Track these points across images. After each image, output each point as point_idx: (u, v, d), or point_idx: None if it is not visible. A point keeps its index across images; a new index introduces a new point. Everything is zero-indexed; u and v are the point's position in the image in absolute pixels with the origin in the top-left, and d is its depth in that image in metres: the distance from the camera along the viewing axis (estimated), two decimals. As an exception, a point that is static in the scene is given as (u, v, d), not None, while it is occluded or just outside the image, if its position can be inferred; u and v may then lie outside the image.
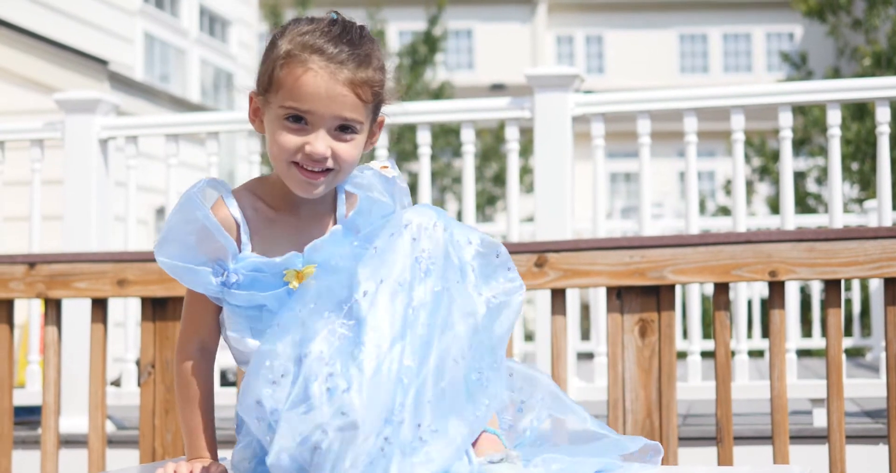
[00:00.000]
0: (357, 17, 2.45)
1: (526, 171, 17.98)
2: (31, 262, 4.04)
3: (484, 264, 2.26)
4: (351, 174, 2.36)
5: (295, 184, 2.29)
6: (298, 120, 2.26)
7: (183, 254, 2.30)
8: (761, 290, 9.51)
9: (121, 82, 10.20)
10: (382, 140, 5.27)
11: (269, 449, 2.11)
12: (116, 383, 6.59)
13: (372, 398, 2.06)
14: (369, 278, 2.16)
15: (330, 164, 2.27)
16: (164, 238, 2.31)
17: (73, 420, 5.24)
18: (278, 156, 2.28)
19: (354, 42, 2.30)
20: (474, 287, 2.23)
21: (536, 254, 3.58)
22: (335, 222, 2.38)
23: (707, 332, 11.73)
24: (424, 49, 19.99)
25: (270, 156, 2.30)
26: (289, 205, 2.36)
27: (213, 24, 13.39)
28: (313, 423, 2.07)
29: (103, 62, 9.84)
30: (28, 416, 6.01)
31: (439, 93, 19.44)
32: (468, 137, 5.27)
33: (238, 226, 2.32)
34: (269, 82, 2.30)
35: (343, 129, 2.27)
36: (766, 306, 3.58)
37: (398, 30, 25.33)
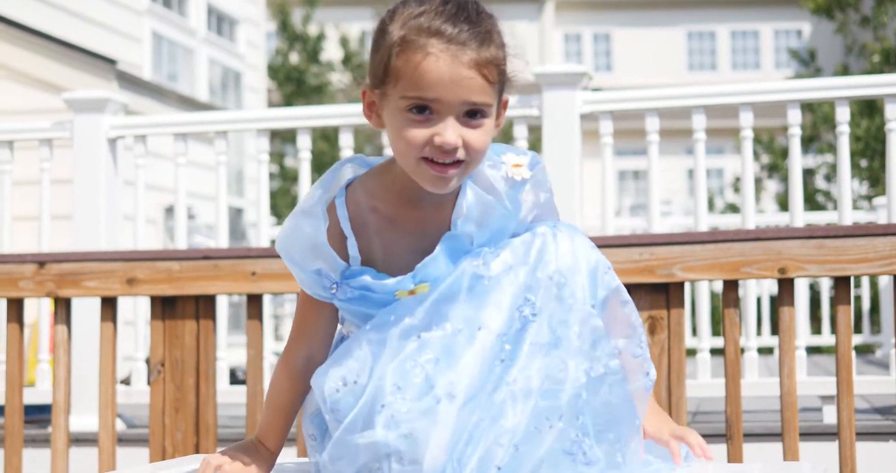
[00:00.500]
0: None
1: (534, 169, 17.98)
2: (41, 261, 4.05)
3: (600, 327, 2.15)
4: (478, 171, 2.18)
5: (426, 180, 2.10)
6: (423, 110, 2.07)
7: (297, 256, 2.20)
8: (770, 287, 9.50)
9: (129, 82, 10.22)
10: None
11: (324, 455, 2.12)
12: (126, 381, 6.60)
13: (434, 441, 2.03)
14: (471, 319, 2.09)
15: (461, 154, 2.08)
16: (284, 235, 2.21)
17: (84, 419, 5.25)
18: (406, 152, 2.09)
19: (472, 19, 2.10)
20: (575, 352, 2.12)
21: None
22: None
23: (716, 329, 11.74)
24: (432, 48, 20.01)
25: (395, 153, 2.13)
26: (410, 201, 2.18)
27: (220, 23, 13.41)
28: (374, 451, 2.04)
29: (111, 61, 9.86)
30: (38, 414, 6.03)
31: (448, 91, 19.46)
32: (477, 135, 5.27)
33: (346, 238, 2.19)
34: (384, 73, 2.12)
35: (472, 114, 2.09)
36: (776, 303, 3.57)
37: (406, 28, 25.29)
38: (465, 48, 2.06)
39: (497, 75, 2.11)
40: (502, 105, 2.19)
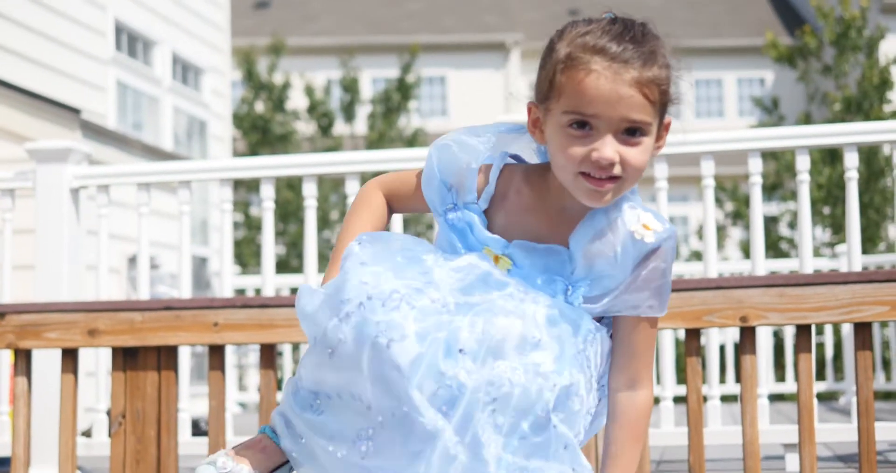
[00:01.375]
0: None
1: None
2: (1, 312, 4.03)
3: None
4: (619, 207, 2.22)
5: (582, 194, 2.16)
6: (583, 126, 2.14)
7: (448, 163, 2.29)
8: (734, 334, 9.52)
9: (93, 131, 10.20)
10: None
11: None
12: (87, 433, 6.55)
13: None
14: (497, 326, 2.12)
15: (617, 171, 2.13)
16: (450, 140, 2.31)
17: (43, 472, 5.20)
18: (564, 166, 2.15)
19: (638, 39, 2.18)
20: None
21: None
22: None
23: (681, 377, 11.74)
24: (398, 96, 20.10)
25: (554, 167, 2.18)
26: (551, 202, 2.24)
27: (186, 72, 13.42)
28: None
29: (76, 111, 9.84)
30: (-2, 467, 5.96)
31: (413, 140, 19.53)
32: (440, 185, 5.28)
33: (483, 191, 2.28)
34: (549, 89, 2.19)
35: (630, 132, 2.14)
36: (738, 351, 3.58)
37: (371, 77, 25.43)
38: (627, 66, 2.13)
39: (658, 95, 2.16)
40: (664, 127, 2.24)
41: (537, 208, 2.26)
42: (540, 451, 2.10)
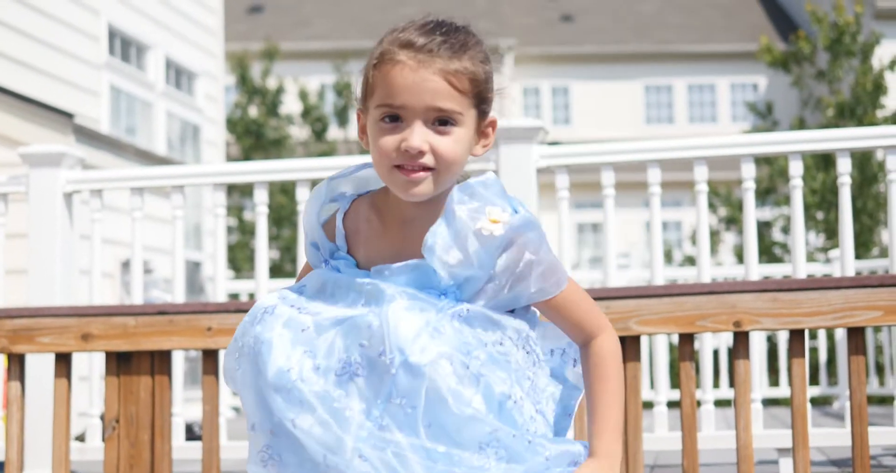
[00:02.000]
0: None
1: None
2: (-6, 317, 4.02)
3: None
4: (454, 203, 2.17)
5: (398, 188, 2.15)
6: (394, 119, 2.14)
7: (308, 227, 2.31)
8: (728, 338, 9.53)
9: (86, 135, 10.20)
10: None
11: None
12: (81, 438, 6.54)
13: None
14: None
15: (429, 161, 2.12)
16: (306, 205, 2.34)
17: (37, 476, 5.19)
18: (379, 162, 2.16)
19: (448, 33, 2.18)
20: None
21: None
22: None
23: (675, 381, 11.75)
24: (392, 101, 20.08)
25: (374, 166, 2.19)
26: (399, 220, 2.23)
27: (179, 76, 13.41)
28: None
29: (69, 115, 9.83)
30: (-9, 472, 5.95)
31: (407, 145, 19.52)
32: (434, 189, 5.28)
33: (336, 236, 2.29)
34: (365, 89, 2.21)
35: (442, 122, 2.13)
36: (732, 355, 3.59)
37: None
38: (433, 56, 2.13)
39: (469, 85, 2.15)
40: (489, 124, 2.23)
41: (386, 229, 2.25)
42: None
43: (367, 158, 2.52)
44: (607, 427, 2.20)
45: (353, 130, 20.79)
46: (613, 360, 2.26)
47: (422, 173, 2.13)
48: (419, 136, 2.11)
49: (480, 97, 2.18)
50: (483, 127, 2.22)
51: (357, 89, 2.27)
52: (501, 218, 2.17)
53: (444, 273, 2.14)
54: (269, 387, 2.11)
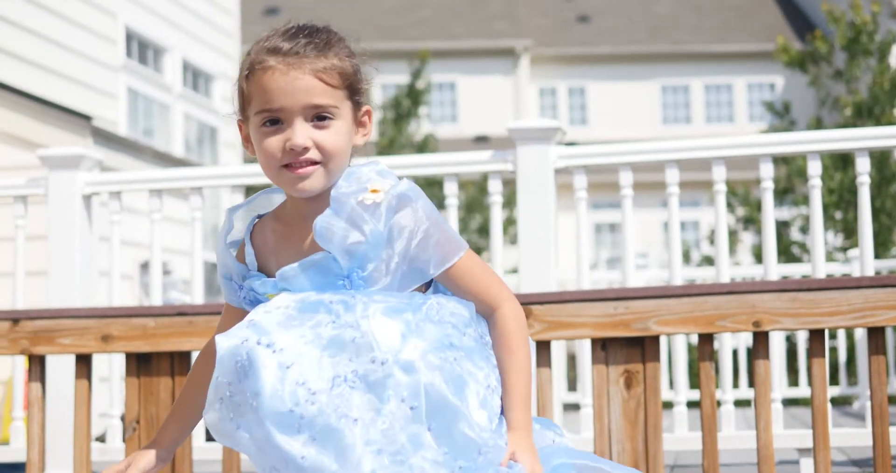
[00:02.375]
0: None
1: (510, 222, 18.01)
2: (15, 318, 4.04)
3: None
4: (339, 191, 2.26)
5: (288, 185, 2.27)
6: (275, 122, 2.25)
7: (220, 262, 2.40)
8: (747, 338, 9.51)
9: (104, 137, 10.22)
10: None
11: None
12: (101, 438, 6.56)
13: None
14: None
15: (314, 155, 2.24)
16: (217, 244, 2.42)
17: (57, 478, 5.21)
18: (267, 164, 2.27)
19: (312, 34, 2.29)
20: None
21: (521, 306, 3.58)
22: None
23: (694, 382, 11.73)
24: (408, 102, 20.10)
25: (263, 169, 2.28)
26: (298, 220, 2.33)
27: (196, 78, 13.44)
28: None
29: (87, 118, 9.86)
30: (12, 473, 5.97)
31: (423, 146, 19.51)
32: (451, 190, 5.29)
33: (246, 258, 2.37)
34: (242, 99, 2.31)
35: (319, 118, 2.25)
36: (751, 355, 3.58)
37: (382, 83, 25.43)
38: (301, 58, 2.24)
39: (340, 80, 2.27)
40: (364, 114, 2.35)
41: (291, 232, 2.34)
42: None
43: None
44: (519, 398, 2.26)
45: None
46: (517, 332, 2.31)
47: (309, 168, 2.24)
48: (301, 133, 2.22)
49: (352, 89, 2.30)
50: (359, 117, 2.35)
51: (234, 102, 2.35)
52: (382, 187, 2.27)
53: (342, 257, 2.22)
54: (275, 433, 2.11)
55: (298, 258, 2.27)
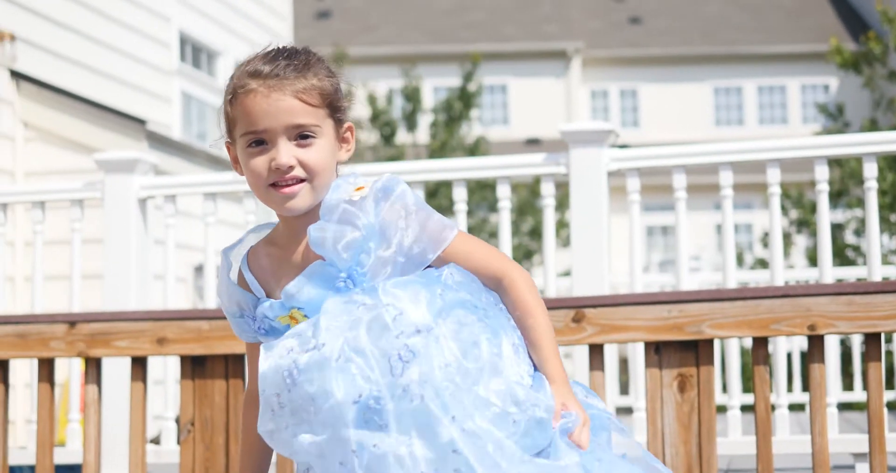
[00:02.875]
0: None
1: (562, 225, 17.97)
2: (72, 321, 4.08)
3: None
4: (326, 199, 2.34)
5: (276, 204, 2.33)
6: (260, 143, 2.32)
7: (227, 307, 2.46)
8: (801, 342, 9.45)
9: (159, 141, 10.29)
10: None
11: None
12: (156, 441, 6.61)
13: None
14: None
15: (300, 173, 2.31)
16: (218, 289, 2.48)
17: (113, 479, 5.25)
18: (255, 184, 2.33)
19: (290, 56, 2.35)
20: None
21: (574, 309, 3.58)
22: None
23: (747, 385, 11.66)
24: (459, 105, 20.08)
25: (252, 189, 2.35)
26: (293, 238, 2.39)
27: (249, 82, 13.52)
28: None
29: (141, 122, 9.93)
30: (68, 475, 6.02)
31: (475, 148, 19.49)
32: (504, 193, 5.29)
33: (251, 287, 2.43)
34: (228, 123, 2.38)
35: (302, 137, 2.31)
36: (807, 359, 3.55)
37: (433, 86, 25.47)
38: (281, 80, 2.30)
39: (320, 99, 2.33)
40: (346, 130, 2.41)
41: (285, 254, 2.40)
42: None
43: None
44: (550, 352, 2.34)
45: (421, 135, 20.83)
46: (530, 292, 2.37)
47: (296, 187, 2.31)
48: (285, 152, 2.29)
49: (333, 107, 2.37)
50: (342, 133, 2.41)
51: (221, 125, 2.42)
52: (365, 185, 2.35)
53: (338, 257, 2.28)
54: (342, 429, 2.16)
55: (295, 274, 2.34)
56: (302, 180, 2.31)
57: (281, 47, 2.39)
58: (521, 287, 2.36)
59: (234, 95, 2.34)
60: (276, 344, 2.26)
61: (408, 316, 2.19)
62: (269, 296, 2.40)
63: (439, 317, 2.21)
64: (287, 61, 2.33)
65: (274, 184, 2.31)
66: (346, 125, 2.42)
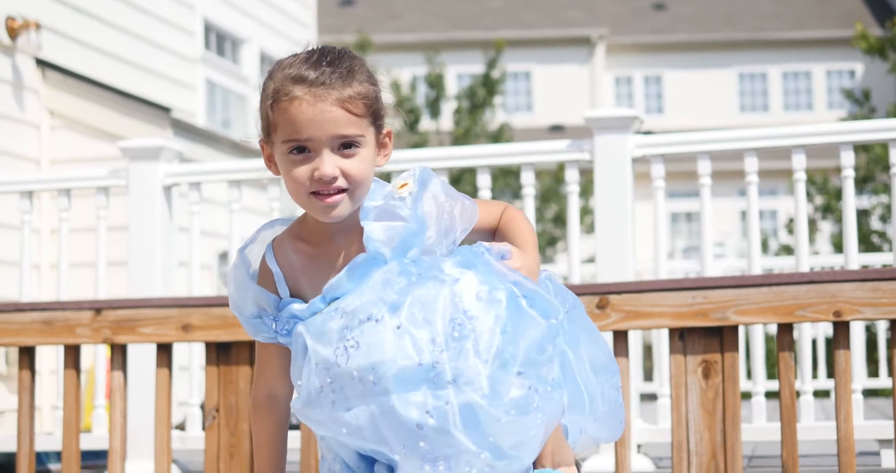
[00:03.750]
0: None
1: (586, 212, 17.96)
2: (98, 308, 4.09)
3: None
4: (365, 203, 2.36)
5: (318, 212, 2.32)
6: (302, 150, 2.30)
7: (242, 308, 2.44)
8: (826, 329, 9.42)
9: (183, 129, 10.31)
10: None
11: None
12: (181, 427, 6.63)
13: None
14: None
15: (342, 183, 2.30)
16: (230, 295, 2.47)
17: (139, 464, 5.28)
18: (295, 191, 2.32)
19: (334, 62, 2.34)
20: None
21: (598, 296, 3.58)
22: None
23: (771, 372, 11.64)
24: (483, 92, 20.07)
25: (290, 194, 2.35)
26: (326, 238, 2.39)
27: (273, 70, 13.52)
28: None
29: (166, 109, 9.95)
30: (95, 460, 6.06)
31: (498, 135, 19.48)
32: (528, 180, 5.28)
33: (275, 283, 2.42)
34: (267, 125, 2.36)
35: (346, 146, 2.31)
36: (832, 346, 3.54)
37: (457, 73, 25.44)
38: (327, 88, 2.29)
39: (364, 108, 2.33)
40: (385, 136, 2.41)
41: (318, 253, 2.40)
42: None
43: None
44: (530, 245, 2.43)
45: (445, 122, 20.83)
46: (519, 213, 2.47)
47: (337, 197, 2.31)
48: (329, 163, 2.29)
49: (376, 115, 2.37)
50: (381, 139, 2.40)
51: (257, 124, 2.41)
52: (407, 181, 2.36)
53: (385, 249, 2.30)
54: (401, 395, 2.19)
55: (333, 273, 2.35)
56: (343, 190, 2.31)
57: (323, 49, 2.38)
58: (514, 211, 2.48)
59: (277, 100, 2.32)
60: (321, 324, 2.27)
61: (463, 284, 2.23)
62: (294, 295, 2.40)
63: (485, 283, 2.25)
64: (332, 68, 2.32)
65: (315, 193, 2.31)
66: (385, 131, 2.42)
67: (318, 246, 2.39)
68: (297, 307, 2.35)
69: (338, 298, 2.30)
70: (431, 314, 2.20)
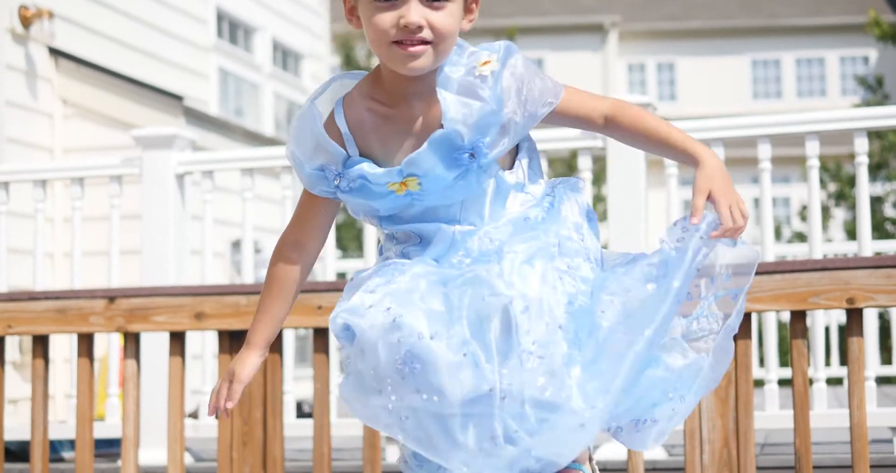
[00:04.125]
0: None
1: (599, 199, 17.94)
2: (111, 296, 4.10)
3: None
4: (444, 68, 2.30)
5: (397, 63, 2.25)
6: None
7: (304, 160, 2.35)
8: (839, 316, 9.40)
9: (196, 117, 10.32)
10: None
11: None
12: (194, 415, 6.65)
13: None
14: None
15: (427, 35, 2.23)
16: (292, 138, 2.37)
17: (153, 452, 5.29)
18: (377, 39, 2.25)
19: None
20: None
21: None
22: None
23: (784, 359, 11.63)
24: (496, 79, 20.03)
25: (371, 44, 2.27)
26: (402, 100, 2.32)
27: (286, 58, 13.52)
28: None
29: (178, 98, 9.96)
30: (108, 448, 6.08)
31: (511, 123, 19.46)
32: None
33: (343, 140, 2.34)
34: None
35: None
36: (845, 333, 3.54)
37: (469, 60, 25.40)
38: None
39: None
40: (473, 0, 2.33)
41: (393, 114, 2.33)
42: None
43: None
44: (688, 138, 2.40)
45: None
46: (638, 109, 2.38)
47: (420, 47, 2.24)
48: (416, 11, 2.22)
49: None
50: (469, 2, 2.32)
51: None
52: (490, 59, 2.29)
53: (464, 128, 2.24)
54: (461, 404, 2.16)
55: (409, 139, 2.30)
56: (427, 42, 2.24)
57: None
58: (629, 109, 2.37)
59: None
60: (381, 317, 2.26)
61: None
62: (363, 154, 2.33)
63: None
64: None
65: (398, 42, 2.23)
66: None
67: (392, 107, 2.32)
68: (370, 168, 2.29)
69: (414, 174, 2.27)
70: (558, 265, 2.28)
